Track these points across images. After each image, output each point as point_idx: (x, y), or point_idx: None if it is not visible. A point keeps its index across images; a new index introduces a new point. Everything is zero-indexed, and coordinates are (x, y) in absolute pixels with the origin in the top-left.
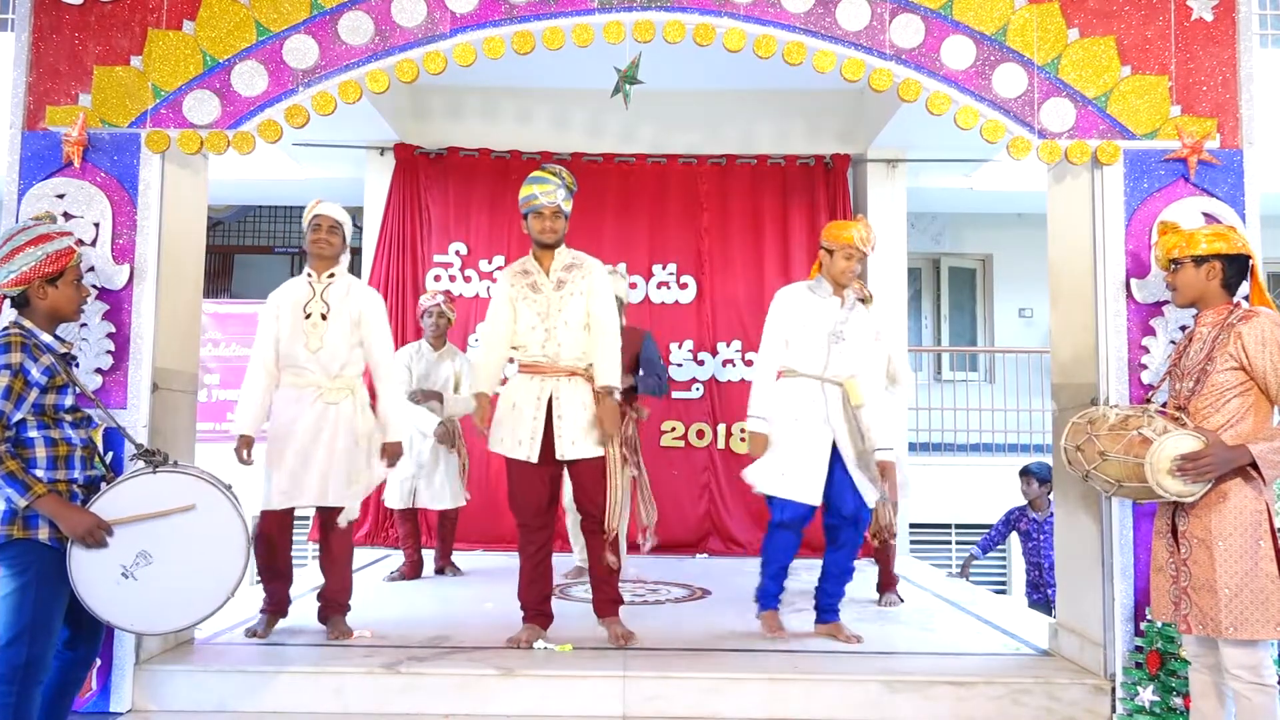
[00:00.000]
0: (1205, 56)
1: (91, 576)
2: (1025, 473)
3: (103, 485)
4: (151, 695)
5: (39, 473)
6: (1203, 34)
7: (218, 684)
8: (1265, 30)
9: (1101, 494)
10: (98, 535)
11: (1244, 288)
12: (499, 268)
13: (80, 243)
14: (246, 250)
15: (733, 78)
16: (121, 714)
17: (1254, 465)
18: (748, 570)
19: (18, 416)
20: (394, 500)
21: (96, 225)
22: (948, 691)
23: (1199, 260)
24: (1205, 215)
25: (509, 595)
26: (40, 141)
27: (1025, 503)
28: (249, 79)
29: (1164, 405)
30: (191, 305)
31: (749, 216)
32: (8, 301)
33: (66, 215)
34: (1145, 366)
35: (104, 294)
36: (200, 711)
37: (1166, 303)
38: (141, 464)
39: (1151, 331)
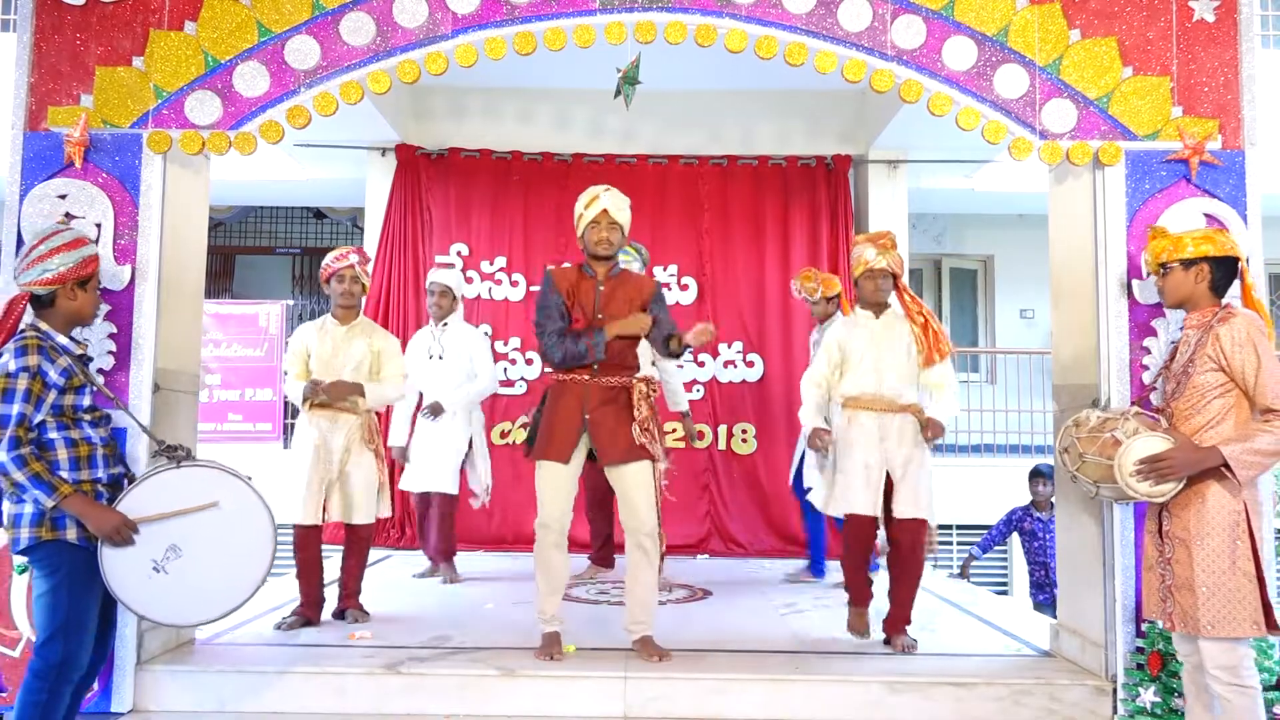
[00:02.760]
0: (1207, 57)
1: (123, 572)
2: (1036, 474)
3: (125, 483)
4: (152, 695)
5: (63, 474)
6: (1204, 35)
7: (218, 684)
8: (1267, 31)
9: (1087, 495)
10: (124, 534)
11: (1236, 289)
12: (501, 269)
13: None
14: (248, 251)
15: (734, 78)
16: (122, 714)
17: (1228, 466)
18: (748, 571)
19: (38, 418)
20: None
21: (98, 226)
22: (949, 692)
23: (1187, 263)
24: (1206, 216)
25: (509, 596)
26: (42, 142)
27: (1028, 503)
28: (251, 79)
29: (1157, 407)
30: (193, 306)
31: (750, 217)
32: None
33: (69, 216)
34: (1146, 367)
35: (106, 294)
36: (201, 712)
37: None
38: (164, 460)
39: (1153, 332)
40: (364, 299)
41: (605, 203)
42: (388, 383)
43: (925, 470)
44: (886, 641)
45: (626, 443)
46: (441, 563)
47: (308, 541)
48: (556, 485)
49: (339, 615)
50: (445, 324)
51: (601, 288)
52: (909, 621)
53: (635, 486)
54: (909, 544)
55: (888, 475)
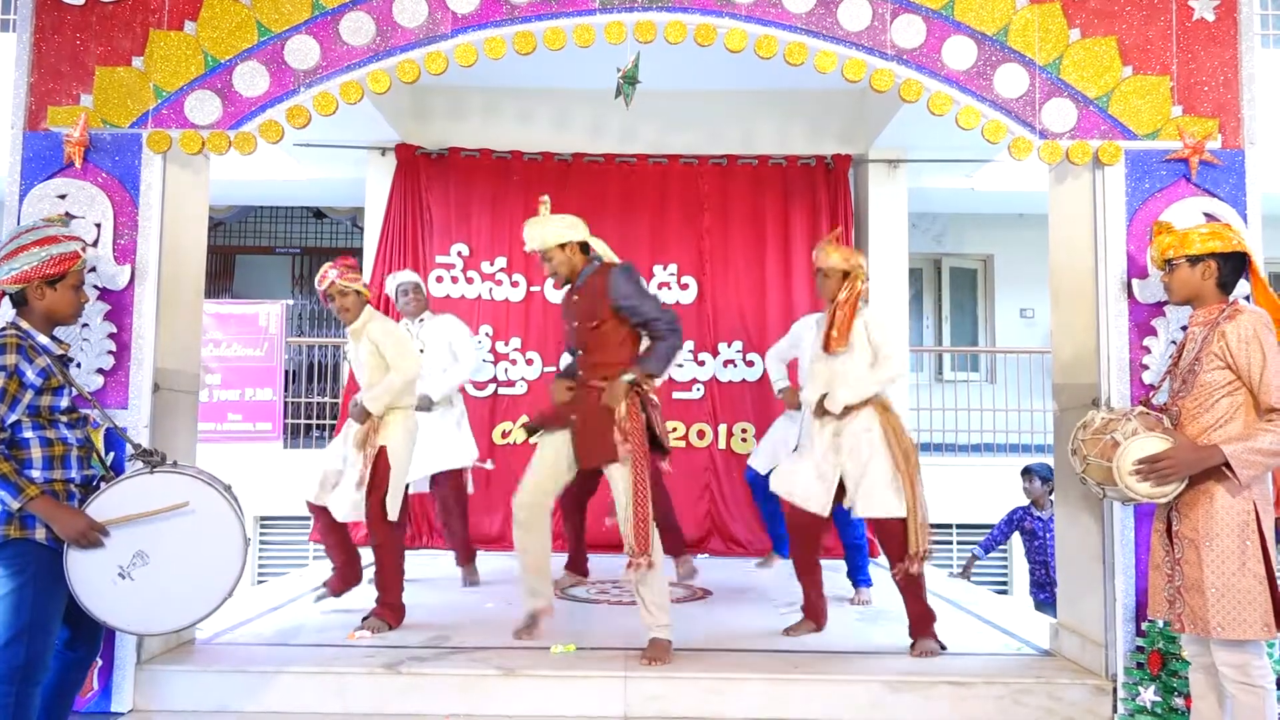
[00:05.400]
0: (1207, 56)
1: (88, 577)
2: (1027, 472)
3: (101, 485)
4: (153, 695)
5: (35, 473)
6: (1204, 34)
7: (219, 684)
8: (1267, 30)
9: (1096, 496)
10: (91, 537)
11: (1244, 287)
12: (501, 269)
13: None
14: (248, 250)
15: (734, 78)
16: (123, 714)
17: (1229, 465)
18: (748, 570)
19: (12, 418)
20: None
21: (98, 226)
22: (948, 692)
23: (1194, 260)
24: (1206, 215)
25: (509, 596)
26: (42, 142)
27: (1029, 502)
28: (250, 79)
29: (1162, 405)
30: (193, 305)
31: (750, 217)
32: (7, 299)
33: (68, 215)
34: (1146, 367)
35: (105, 294)
36: (201, 712)
37: (1168, 302)
38: (140, 464)
39: (1153, 331)
40: (359, 305)
41: (526, 241)
42: (394, 374)
43: (888, 469)
44: (912, 648)
45: (603, 448)
46: (463, 564)
47: (316, 518)
48: (538, 458)
49: (365, 619)
50: (422, 319)
51: (575, 298)
52: (932, 618)
53: (616, 491)
54: (884, 540)
55: (841, 479)
